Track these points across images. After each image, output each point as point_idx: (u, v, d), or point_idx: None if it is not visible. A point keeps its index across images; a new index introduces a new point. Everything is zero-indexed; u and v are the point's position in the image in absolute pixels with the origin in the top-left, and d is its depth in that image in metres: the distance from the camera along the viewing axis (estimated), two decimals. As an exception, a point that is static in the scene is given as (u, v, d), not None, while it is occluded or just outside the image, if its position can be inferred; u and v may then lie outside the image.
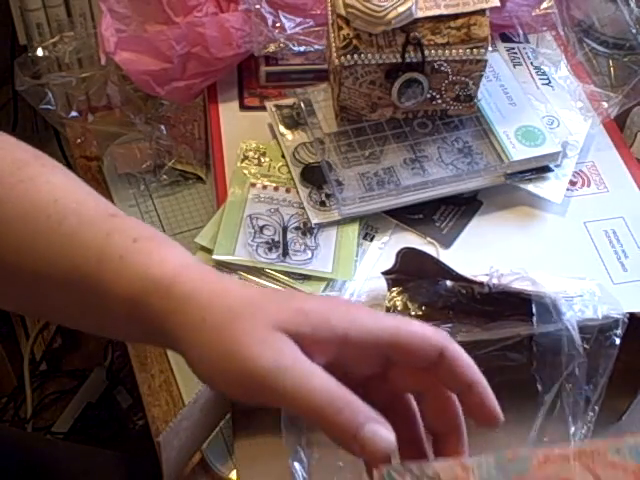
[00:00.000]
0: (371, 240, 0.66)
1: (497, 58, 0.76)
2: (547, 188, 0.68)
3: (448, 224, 0.67)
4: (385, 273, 0.61)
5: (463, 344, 0.51)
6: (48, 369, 1.52)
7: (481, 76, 0.66)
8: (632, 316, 0.59)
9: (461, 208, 0.68)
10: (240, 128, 0.74)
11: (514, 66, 0.77)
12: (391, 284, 0.61)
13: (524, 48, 0.79)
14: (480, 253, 0.65)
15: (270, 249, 0.64)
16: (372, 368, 0.43)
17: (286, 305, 0.41)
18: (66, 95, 0.88)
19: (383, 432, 0.39)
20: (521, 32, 0.80)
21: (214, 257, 0.63)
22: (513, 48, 0.79)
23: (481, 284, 0.59)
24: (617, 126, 0.77)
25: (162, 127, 0.84)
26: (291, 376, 0.39)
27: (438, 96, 0.67)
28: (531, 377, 0.58)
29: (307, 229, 0.65)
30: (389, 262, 0.65)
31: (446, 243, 0.66)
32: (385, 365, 0.43)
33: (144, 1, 0.77)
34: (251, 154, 0.71)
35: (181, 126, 0.84)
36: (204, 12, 0.75)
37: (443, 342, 0.42)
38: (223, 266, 0.64)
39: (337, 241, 0.65)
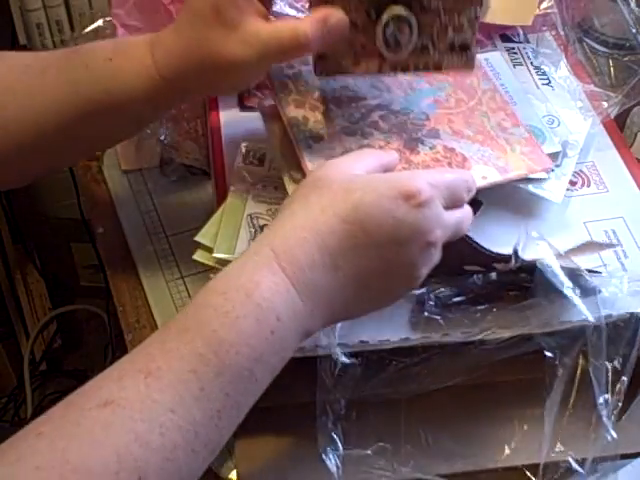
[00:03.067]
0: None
1: (498, 58, 0.76)
2: (547, 188, 0.68)
3: (448, 224, 0.67)
4: None
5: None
6: (48, 369, 1.52)
7: (477, 18, 0.60)
8: (631, 317, 0.59)
9: (461, 208, 0.68)
10: (240, 128, 0.74)
11: (514, 66, 0.77)
12: None
13: (524, 48, 0.80)
14: (480, 253, 0.65)
15: (270, 248, 0.64)
16: None
17: None
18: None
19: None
20: (521, 32, 0.80)
21: (215, 255, 0.64)
22: (513, 48, 0.80)
23: (507, 260, 0.59)
24: (617, 126, 0.77)
25: (168, 124, 0.85)
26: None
27: (430, 45, 0.61)
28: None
29: (307, 229, 0.65)
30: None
31: (446, 243, 0.66)
32: None
33: (154, 11, 0.78)
34: (251, 154, 0.71)
35: (185, 123, 0.84)
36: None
37: None
38: (224, 265, 0.63)
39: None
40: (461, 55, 0.61)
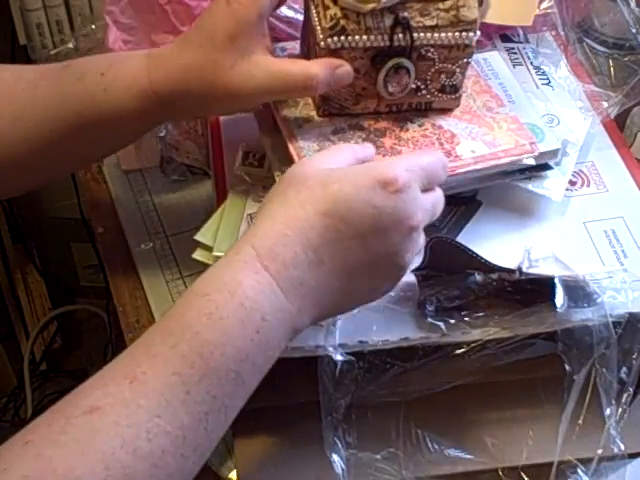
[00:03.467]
0: (371, 240, 0.66)
1: (497, 58, 0.76)
2: (547, 186, 0.68)
3: (447, 224, 0.67)
4: (415, 270, 0.61)
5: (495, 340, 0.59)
6: (48, 369, 1.52)
7: (468, 63, 0.65)
8: (631, 316, 0.59)
9: (460, 208, 0.68)
10: (240, 128, 0.74)
11: (514, 66, 0.77)
12: (421, 280, 0.61)
13: (524, 48, 0.80)
14: (479, 253, 0.65)
15: (270, 248, 0.64)
16: None
17: None
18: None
19: None
20: (521, 32, 0.80)
21: (215, 254, 0.64)
22: (513, 48, 0.80)
23: (511, 271, 0.59)
24: (617, 126, 0.77)
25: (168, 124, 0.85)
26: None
27: (423, 87, 0.65)
28: (560, 359, 0.60)
29: (307, 229, 0.65)
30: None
31: (446, 243, 0.66)
32: None
33: (149, 11, 0.77)
34: (250, 155, 0.71)
35: (185, 123, 0.84)
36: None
37: None
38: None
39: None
40: (450, 95, 0.66)
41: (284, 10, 0.75)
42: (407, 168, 0.53)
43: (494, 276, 0.60)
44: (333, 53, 0.62)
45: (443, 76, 0.65)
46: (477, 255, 0.61)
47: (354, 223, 0.51)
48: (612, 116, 0.75)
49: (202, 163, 0.87)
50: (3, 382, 1.49)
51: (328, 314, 0.55)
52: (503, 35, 0.80)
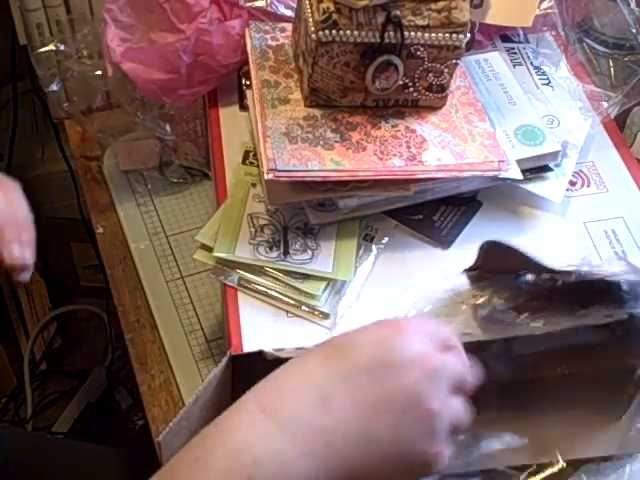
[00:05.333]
0: (371, 241, 0.66)
1: (497, 58, 0.76)
2: (547, 187, 0.68)
3: (448, 225, 0.67)
4: (467, 270, 0.61)
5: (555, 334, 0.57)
6: (48, 369, 1.52)
7: (456, 64, 0.66)
8: (631, 316, 0.59)
9: (461, 208, 0.68)
10: (240, 128, 0.74)
11: (514, 66, 0.77)
12: (473, 280, 0.61)
13: (524, 48, 0.80)
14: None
15: (271, 248, 0.64)
16: None
17: None
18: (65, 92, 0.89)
19: None
20: (521, 32, 0.81)
21: (214, 254, 0.64)
22: (513, 48, 0.80)
23: (568, 273, 0.58)
24: (617, 126, 0.77)
25: (166, 125, 0.85)
26: None
27: (411, 84, 0.66)
28: (624, 356, 0.60)
29: (308, 229, 0.65)
30: (389, 262, 0.65)
31: (446, 243, 0.66)
32: None
33: (148, 9, 0.77)
34: (251, 154, 0.71)
35: (184, 124, 0.84)
36: (208, 18, 0.74)
37: None
38: (223, 264, 0.64)
39: (337, 241, 0.65)
40: (437, 94, 0.67)
41: (282, 9, 0.75)
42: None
43: (546, 276, 0.58)
44: (324, 46, 0.63)
45: (431, 75, 0.66)
46: (534, 258, 0.59)
47: (358, 355, 0.47)
48: (612, 116, 0.75)
49: (201, 164, 0.87)
50: (3, 382, 1.49)
51: (347, 463, 0.46)
52: (503, 35, 0.80)
